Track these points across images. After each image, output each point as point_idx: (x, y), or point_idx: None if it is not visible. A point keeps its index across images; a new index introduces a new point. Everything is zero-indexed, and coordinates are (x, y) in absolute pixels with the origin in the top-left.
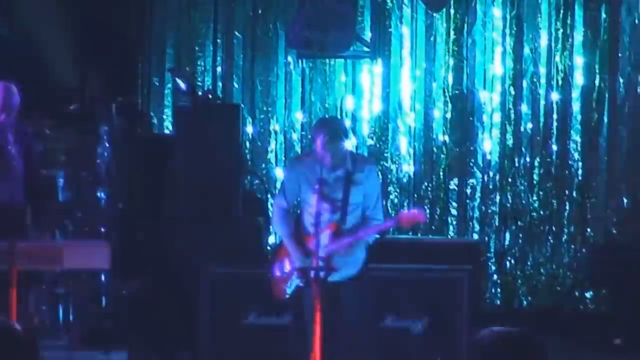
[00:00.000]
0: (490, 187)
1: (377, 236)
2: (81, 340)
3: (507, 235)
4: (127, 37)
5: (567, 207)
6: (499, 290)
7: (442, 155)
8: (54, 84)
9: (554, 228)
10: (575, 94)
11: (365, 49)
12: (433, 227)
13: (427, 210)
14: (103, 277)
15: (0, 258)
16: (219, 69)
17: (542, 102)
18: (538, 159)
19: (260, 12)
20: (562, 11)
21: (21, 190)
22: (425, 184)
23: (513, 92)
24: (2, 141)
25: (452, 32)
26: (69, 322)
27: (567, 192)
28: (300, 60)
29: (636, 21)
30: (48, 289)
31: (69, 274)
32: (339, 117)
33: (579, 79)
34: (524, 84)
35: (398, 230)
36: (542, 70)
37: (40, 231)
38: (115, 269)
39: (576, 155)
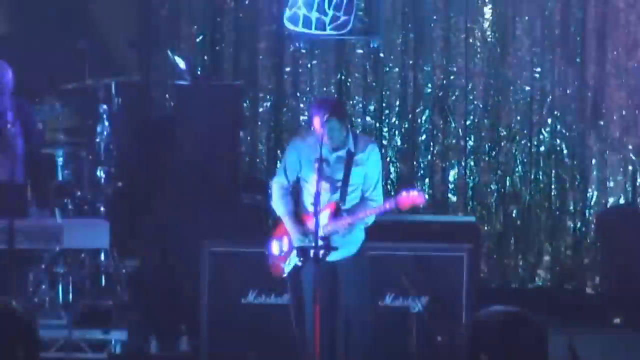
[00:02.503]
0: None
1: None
2: (80, 319)
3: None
4: (126, 16)
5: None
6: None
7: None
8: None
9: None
10: None
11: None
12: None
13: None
14: (103, 256)
15: None
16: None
17: None
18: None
19: None
20: None
21: (21, 168)
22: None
23: None
24: (1, 120)
25: None
26: (69, 301)
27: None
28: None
29: None
30: (47, 268)
31: (68, 253)
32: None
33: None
34: None
35: (397, 211)
36: None
37: (40, 210)
38: (114, 248)
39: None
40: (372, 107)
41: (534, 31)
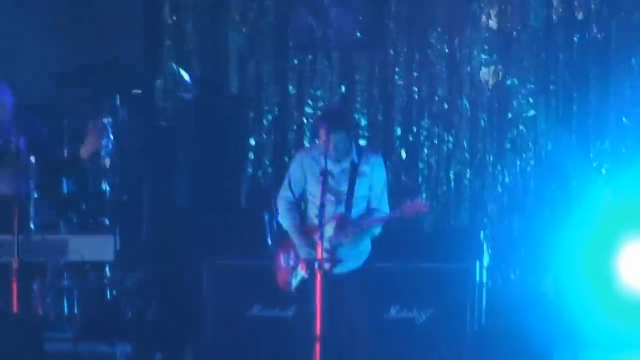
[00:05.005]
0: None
1: (381, 227)
2: (85, 333)
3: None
4: (133, 30)
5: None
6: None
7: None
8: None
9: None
10: None
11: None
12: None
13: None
14: (107, 269)
15: (3, 250)
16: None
17: None
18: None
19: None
20: None
21: (27, 181)
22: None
23: None
24: (6, 136)
25: None
26: (73, 314)
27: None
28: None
29: None
30: (52, 280)
31: (73, 266)
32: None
33: None
34: None
35: (400, 221)
36: None
37: (45, 223)
38: (119, 261)
39: None
40: (376, 119)
41: (537, 46)
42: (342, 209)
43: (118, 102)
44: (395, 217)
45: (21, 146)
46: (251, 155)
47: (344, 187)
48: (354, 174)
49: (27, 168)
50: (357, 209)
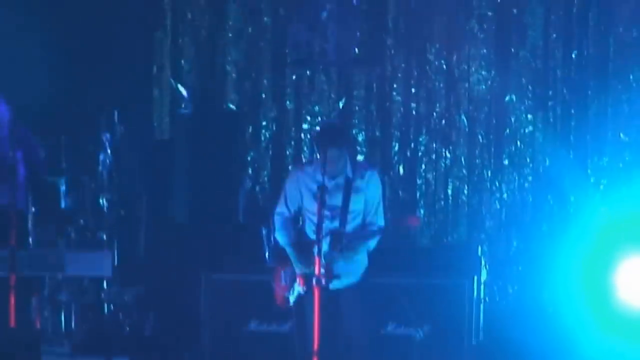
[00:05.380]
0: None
1: (376, 242)
2: (83, 347)
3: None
4: (130, 46)
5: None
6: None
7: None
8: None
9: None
10: None
11: None
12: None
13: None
14: (105, 284)
15: (2, 264)
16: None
17: None
18: None
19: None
20: None
21: (23, 196)
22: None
23: None
24: (1, 150)
25: None
26: (71, 329)
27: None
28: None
29: None
30: (50, 295)
31: (70, 281)
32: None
33: None
34: None
35: (394, 229)
36: None
37: (43, 237)
38: (117, 275)
39: None
40: (374, 135)
41: (535, 62)
42: (337, 224)
43: (116, 118)
44: (387, 229)
45: (17, 160)
46: (249, 171)
47: (338, 202)
48: (348, 189)
49: (23, 183)
50: (352, 224)
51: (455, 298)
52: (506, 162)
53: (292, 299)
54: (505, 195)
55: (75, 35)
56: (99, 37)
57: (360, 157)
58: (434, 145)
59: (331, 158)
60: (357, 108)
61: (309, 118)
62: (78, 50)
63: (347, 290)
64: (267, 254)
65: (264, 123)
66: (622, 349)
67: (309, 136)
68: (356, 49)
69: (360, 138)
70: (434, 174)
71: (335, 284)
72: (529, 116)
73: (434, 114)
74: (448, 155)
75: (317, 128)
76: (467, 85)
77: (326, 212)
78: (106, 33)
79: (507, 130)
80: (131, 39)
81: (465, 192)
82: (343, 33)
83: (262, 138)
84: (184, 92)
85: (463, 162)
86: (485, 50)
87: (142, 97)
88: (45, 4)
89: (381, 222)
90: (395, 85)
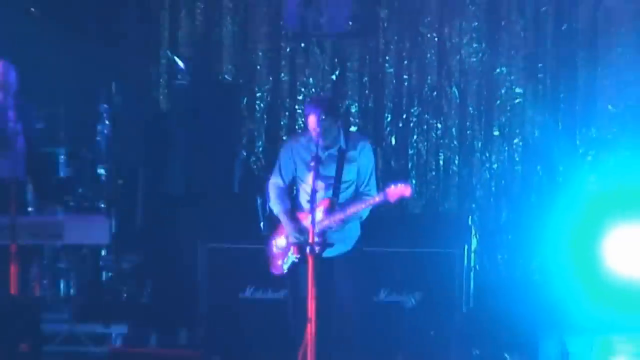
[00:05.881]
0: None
1: (368, 211)
2: (82, 314)
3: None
4: (128, 19)
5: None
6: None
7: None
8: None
9: None
10: None
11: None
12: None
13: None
14: (103, 252)
15: (1, 232)
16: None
17: None
18: None
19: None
20: None
21: (22, 166)
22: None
23: None
24: (3, 119)
25: None
26: (70, 296)
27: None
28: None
29: None
30: (49, 263)
31: (69, 249)
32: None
33: None
34: None
35: (386, 205)
36: None
37: (42, 206)
38: (115, 244)
39: None
40: (367, 106)
41: (526, 34)
42: (330, 193)
43: (114, 89)
44: (381, 201)
45: (18, 131)
46: (244, 141)
47: (332, 173)
48: (341, 159)
49: (22, 153)
50: (346, 194)
51: (446, 266)
52: (496, 133)
53: (286, 266)
54: (495, 166)
55: (75, 9)
56: (97, 11)
57: (353, 128)
58: (426, 116)
59: (324, 128)
60: (350, 80)
61: (303, 90)
62: (77, 23)
63: (340, 258)
64: (261, 223)
65: (258, 94)
66: (611, 316)
67: (303, 107)
68: (349, 22)
69: (353, 109)
70: (426, 144)
71: (328, 252)
72: (519, 88)
73: (426, 85)
74: (439, 126)
75: (310, 99)
76: (458, 57)
77: (320, 182)
78: (105, 7)
79: (498, 102)
80: (129, 12)
81: (456, 162)
82: (337, 6)
83: (257, 109)
84: (180, 63)
85: (454, 133)
86: (476, 23)
87: (139, 69)
88: None
89: (374, 192)
90: (387, 58)
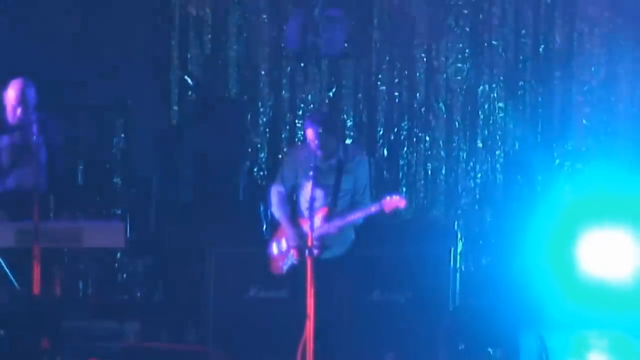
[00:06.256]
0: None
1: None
2: (98, 312)
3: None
4: (144, 42)
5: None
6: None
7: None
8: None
9: None
10: None
11: None
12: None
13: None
14: (119, 255)
15: (25, 236)
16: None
17: None
18: None
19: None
20: None
21: (45, 176)
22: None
23: None
24: (26, 134)
25: None
26: (88, 295)
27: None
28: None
29: None
30: (69, 265)
31: (87, 252)
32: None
33: None
34: None
35: (381, 215)
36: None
37: (62, 213)
38: (129, 247)
39: None
40: (361, 121)
41: (507, 55)
42: (328, 201)
43: (129, 105)
44: (376, 211)
45: (40, 143)
46: (248, 153)
47: (331, 182)
48: (340, 170)
49: (45, 164)
50: (342, 202)
51: (434, 267)
52: (480, 145)
53: (286, 268)
54: (479, 175)
55: (93, 31)
56: (114, 33)
57: (348, 141)
58: (415, 130)
59: (323, 141)
60: (345, 96)
61: (302, 105)
62: (95, 44)
63: (336, 260)
64: (264, 227)
65: (261, 110)
66: (585, 313)
67: (302, 122)
68: (345, 44)
69: (348, 123)
70: (415, 155)
71: (325, 255)
72: (501, 104)
73: (415, 102)
74: (427, 139)
75: (309, 114)
76: (444, 76)
77: (319, 191)
78: (120, 29)
79: (481, 117)
80: (143, 34)
81: (443, 172)
82: (333, 29)
83: (260, 123)
84: (190, 81)
85: (441, 145)
86: (461, 45)
87: (152, 86)
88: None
89: (368, 201)
90: (380, 76)
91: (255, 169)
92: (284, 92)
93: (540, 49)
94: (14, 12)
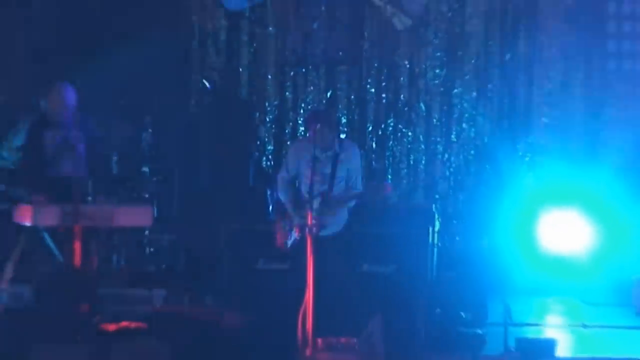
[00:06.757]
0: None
1: (355, 201)
2: (129, 281)
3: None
4: (167, 51)
5: None
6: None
7: None
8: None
9: None
10: None
11: None
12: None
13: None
14: (146, 232)
15: (68, 217)
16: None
17: None
18: None
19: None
20: None
21: (84, 166)
22: None
23: None
24: (67, 129)
25: None
26: (121, 267)
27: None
28: None
29: None
30: (104, 241)
31: (120, 230)
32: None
33: None
34: None
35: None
36: None
37: (99, 197)
38: (155, 225)
39: None
40: (353, 118)
41: (477, 62)
42: (326, 187)
43: (155, 105)
44: (365, 195)
45: (80, 138)
46: (257, 145)
47: (328, 170)
48: (335, 160)
49: (83, 155)
50: (338, 187)
51: (415, 244)
52: (454, 139)
53: (289, 243)
54: (453, 165)
55: (126, 43)
56: (146, 46)
57: (342, 136)
58: (399, 126)
59: (321, 135)
60: (340, 97)
61: (303, 105)
62: (127, 54)
63: (332, 237)
64: (270, 209)
65: (268, 109)
66: (544, 282)
67: (303, 118)
68: (340, 52)
69: (343, 120)
70: (399, 148)
71: (323, 233)
72: (472, 104)
73: (399, 102)
74: (410, 134)
75: (310, 112)
76: (424, 80)
77: (318, 178)
78: (152, 43)
79: (455, 115)
80: (169, 46)
81: (423, 162)
82: (329, 40)
83: (267, 120)
84: (207, 85)
85: (421, 139)
86: (439, 54)
87: (175, 88)
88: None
89: (360, 186)
90: (369, 80)
91: (263, 159)
92: (287, 93)
93: (506, 57)
94: (60, 25)
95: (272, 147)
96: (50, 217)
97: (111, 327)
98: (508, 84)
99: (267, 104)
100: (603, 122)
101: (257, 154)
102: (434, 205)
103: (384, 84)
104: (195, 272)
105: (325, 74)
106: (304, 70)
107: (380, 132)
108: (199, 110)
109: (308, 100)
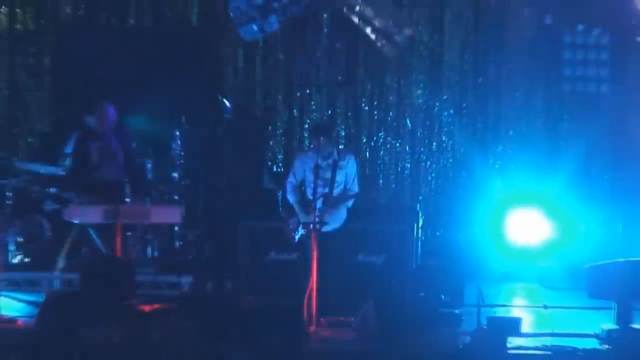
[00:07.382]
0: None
1: (352, 202)
2: (162, 269)
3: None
4: (191, 74)
5: None
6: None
7: None
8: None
9: None
10: None
11: None
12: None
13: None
14: (176, 228)
15: (110, 215)
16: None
17: None
18: None
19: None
20: None
21: (122, 172)
22: None
23: None
24: (108, 141)
25: None
26: (154, 257)
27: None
28: None
29: None
30: (141, 235)
31: (154, 226)
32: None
33: None
34: None
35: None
36: None
37: (136, 198)
38: (184, 223)
39: None
40: (350, 132)
41: (454, 84)
42: (327, 190)
43: (183, 120)
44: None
45: (119, 149)
46: (269, 155)
47: (329, 176)
48: (335, 167)
49: (122, 163)
50: (337, 190)
51: (402, 237)
52: (435, 149)
53: (296, 237)
54: (434, 171)
55: (159, 69)
56: (173, 71)
57: (341, 146)
58: (389, 138)
59: (323, 146)
60: (339, 114)
61: (308, 121)
62: (159, 77)
63: (333, 232)
64: (280, 208)
65: (278, 124)
66: (512, 269)
67: (307, 131)
68: (339, 76)
69: (341, 133)
70: (389, 157)
71: (325, 228)
72: (450, 119)
73: (389, 118)
74: (398, 145)
75: (313, 126)
76: (410, 100)
77: (320, 182)
78: (178, 65)
79: (436, 129)
80: (194, 69)
81: (409, 168)
82: (330, 65)
83: (277, 133)
84: (227, 104)
85: (407, 150)
86: (422, 76)
87: (200, 106)
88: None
89: (356, 189)
90: (363, 99)
91: (275, 167)
92: (294, 111)
93: (479, 81)
94: (107, 51)
95: (282, 156)
96: (95, 215)
97: (146, 308)
98: (480, 103)
99: (277, 120)
100: (560, 136)
101: (269, 162)
102: (418, 205)
103: (375, 102)
104: (218, 261)
105: (327, 95)
106: (308, 91)
107: (372, 144)
108: (220, 125)
109: (312, 116)
